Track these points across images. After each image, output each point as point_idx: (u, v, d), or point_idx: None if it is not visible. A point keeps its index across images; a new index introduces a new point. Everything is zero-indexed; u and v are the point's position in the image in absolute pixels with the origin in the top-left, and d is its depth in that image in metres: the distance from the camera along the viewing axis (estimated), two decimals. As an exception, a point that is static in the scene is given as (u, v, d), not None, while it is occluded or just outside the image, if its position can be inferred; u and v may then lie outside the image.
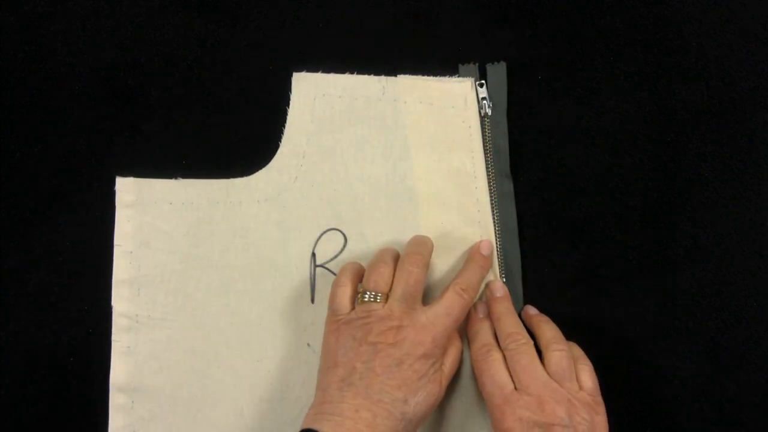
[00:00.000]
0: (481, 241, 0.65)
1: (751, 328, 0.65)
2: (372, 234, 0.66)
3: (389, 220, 0.66)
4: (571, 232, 0.66)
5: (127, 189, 0.68)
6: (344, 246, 0.66)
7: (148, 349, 0.66)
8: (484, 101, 0.67)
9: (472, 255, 0.64)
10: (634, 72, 0.68)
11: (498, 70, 0.68)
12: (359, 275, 0.62)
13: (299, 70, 0.68)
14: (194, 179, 0.68)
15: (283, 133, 0.68)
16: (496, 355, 0.61)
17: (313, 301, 0.66)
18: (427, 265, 0.61)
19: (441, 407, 0.64)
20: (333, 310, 0.61)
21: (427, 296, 0.65)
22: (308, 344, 0.66)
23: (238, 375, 0.66)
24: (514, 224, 0.66)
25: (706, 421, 0.62)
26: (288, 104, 0.68)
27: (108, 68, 0.70)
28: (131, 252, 0.67)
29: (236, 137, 0.68)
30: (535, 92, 0.68)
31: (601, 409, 0.58)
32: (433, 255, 0.65)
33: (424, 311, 0.60)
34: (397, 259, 0.62)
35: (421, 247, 0.63)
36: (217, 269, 0.67)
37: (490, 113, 0.67)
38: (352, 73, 0.68)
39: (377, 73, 0.68)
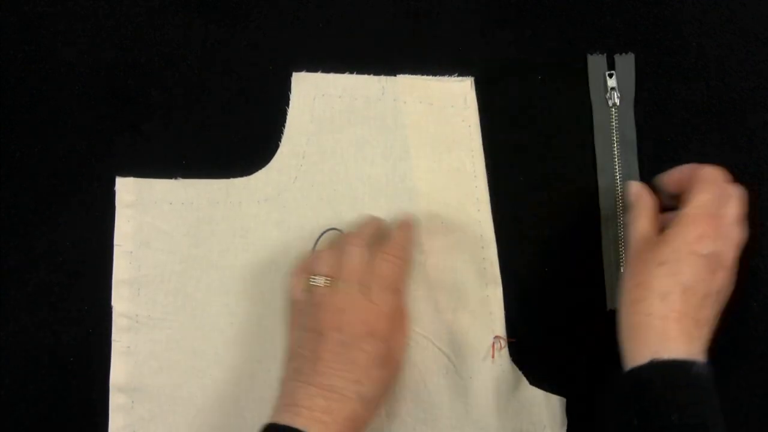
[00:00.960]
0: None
1: (751, 328, 0.65)
2: (372, 234, 0.66)
3: (389, 220, 0.66)
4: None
5: (127, 189, 0.68)
6: (344, 246, 0.66)
7: (148, 349, 0.66)
8: (613, 91, 0.67)
9: (397, 222, 0.64)
10: (635, 72, 0.68)
11: (626, 61, 0.68)
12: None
13: (299, 70, 0.68)
14: (194, 179, 0.68)
15: (283, 133, 0.68)
16: None
17: (312, 301, 0.66)
18: (368, 245, 0.61)
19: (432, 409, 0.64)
20: (291, 301, 0.62)
21: (426, 298, 0.65)
22: (308, 344, 0.66)
23: (238, 375, 0.66)
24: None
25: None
26: (288, 104, 0.68)
27: (108, 68, 0.70)
28: (131, 252, 0.67)
29: (236, 137, 0.68)
30: (535, 92, 0.68)
31: None
32: (434, 252, 0.65)
33: (365, 290, 0.59)
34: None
35: (366, 227, 0.63)
36: (217, 269, 0.67)
37: (618, 103, 0.67)
38: (351, 73, 0.68)
39: (377, 73, 0.68)
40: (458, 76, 0.68)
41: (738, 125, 0.67)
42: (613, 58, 0.68)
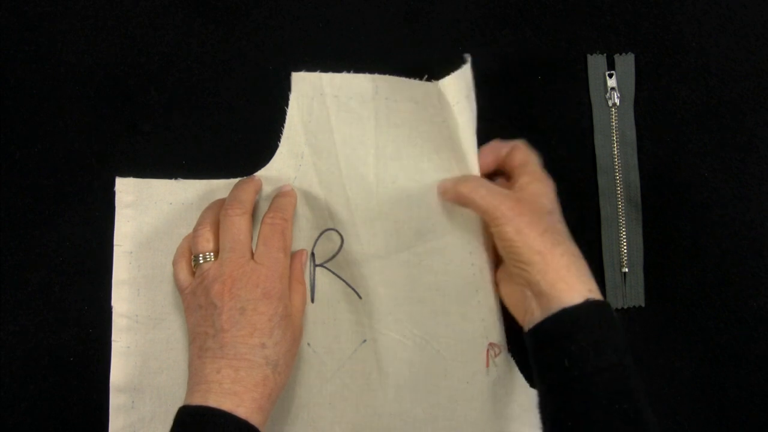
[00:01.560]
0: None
1: (751, 328, 0.65)
2: (366, 235, 0.66)
3: (381, 221, 0.66)
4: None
5: (127, 189, 0.68)
6: (341, 246, 0.66)
7: (148, 349, 0.66)
8: (613, 91, 0.67)
9: (278, 190, 0.66)
10: (635, 72, 0.68)
11: (626, 61, 0.68)
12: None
13: (298, 69, 0.68)
14: (194, 179, 0.68)
15: (282, 133, 0.67)
16: None
17: (312, 300, 0.66)
18: (248, 211, 0.62)
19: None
20: (179, 289, 0.62)
21: (422, 300, 0.65)
22: (308, 344, 0.66)
23: (237, 375, 0.66)
24: (639, 213, 0.67)
25: (706, 421, 0.62)
26: (287, 104, 0.68)
27: (108, 68, 0.70)
28: (131, 252, 0.67)
29: (236, 137, 0.68)
30: (535, 92, 0.68)
31: None
32: (427, 255, 0.65)
33: (251, 254, 0.60)
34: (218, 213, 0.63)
35: (242, 193, 0.63)
36: (217, 269, 0.67)
37: (618, 103, 0.67)
38: (350, 72, 0.68)
39: (377, 73, 0.68)
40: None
41: (738, 125, 0.67)
42: (613, 58, 0.68)
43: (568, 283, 0.56)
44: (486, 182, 0.61)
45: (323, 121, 0.67)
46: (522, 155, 0.62)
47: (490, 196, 0.59)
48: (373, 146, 0.66)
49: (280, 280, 0.60)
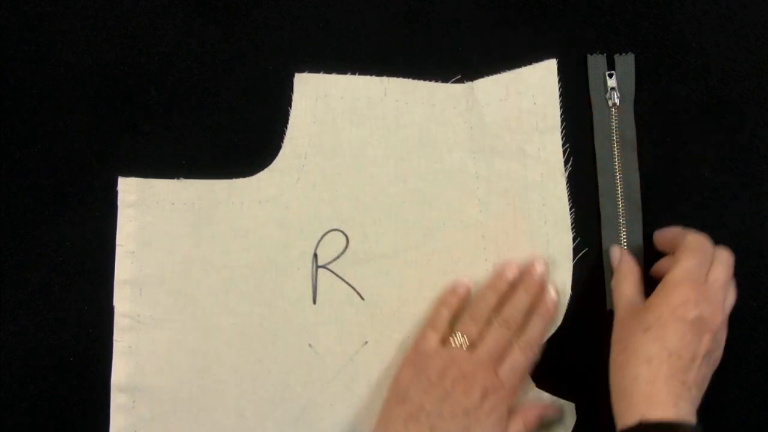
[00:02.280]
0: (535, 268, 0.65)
1: (751, 328, 0.65)
2: (374, 235, 0.66)
3: (391, 221, 0.66)
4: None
5: (129, 189, 0.68)
6: (346, 247, 0.66)
7: (150, 349, 0.66)
8: (613, 91, 0.67)
9: (535, 308, 0.64)
10: (635, 72, 0.68)
11: (626, 61, 0.68)
12: (453, 315, 0.64)
13: (299, 70, 0.68)
14: (196, 179, 0.67)
15: (284, 134, 0.68)
16: None
17: (314, 302, 0.66)
18: (514, 328, 0.62)
19: None
20: (417, 350, 0.62)
21: (429, 299, 0.65)
22: (309, 345, 0.66)
23: (239, 375, 0.66)
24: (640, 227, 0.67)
25: (706, 421, 0.62)
26: (289, 104, 0.68)
27: (108, 68, 0.70)
28: (133, 252, 0.67)
29: (237, 137, 0.68)
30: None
31: None
32: (435, 254, 0.66)
33: (498, 367, 0.61)
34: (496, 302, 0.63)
35: (511, 310, 0.63)
36: (219, 270, 0.67)
37: (618, 103, 0.67)
38: (352, 73, 0.68)
39: (377, 72, 0.68)
40: (458, 76, 0.68)
41: (738, 125, 0.67)
42: (613, 58, 0.68)
43: (621, 406, 0.56)
44: (629, 278, 0.63)
45: (328, 121, 0.67)
46: (677, 248, 0.62)
47: (619, 302, 0.62)
48: (382, 146, 0.67)
49: (509, 401, 0.60)
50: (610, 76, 0.68)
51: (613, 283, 0.64)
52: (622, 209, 0.66)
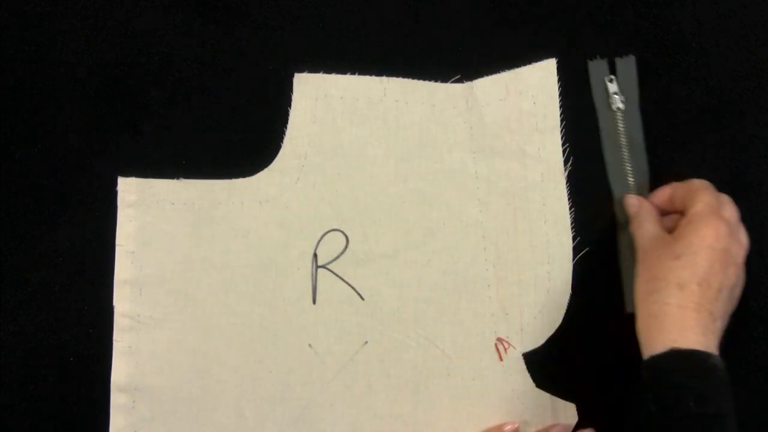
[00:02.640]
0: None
1: (751, 328, 0.65)
2: (374, 235, 0.66)
3: (391, 221, 0.67)
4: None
5: (129, 189, 0.68)
6: (346, 247, 0.66)
7: (150, 349, 0.66)
8: (615, 96, 0.67)
9: None
10: (636, 73, 0.68)
11: (627, 63, 0.68)
12: None
13: (299, 69, 0.68)
14: (196, 179, 0.68)
15: (284, 134, 0.68)
16: None
17: (314, 302, 0.66)
18: None
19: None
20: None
21: (428, 300, 0.66)
22: (309, 345, 0.66)
23: (239, 375, 0.66)
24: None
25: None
26: (289, 104, 0.68)
27: (108, 68, 0.70)
28: (133, 252, 0.67)
29: (237, 137, 0.68)
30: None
31: None
32: (435, 254, 0.66)
33: None
34: None
35: None
36: (219, 270, 0.67)
37: (622, 107, 0.67)
38: (352, 73, 0.68)
39: (377, 72, 0.68)
40: (458, 76, 0.68)
41: (738, 125, 0.67)
42: (614, 62, 0.68)
43: (650, 333, 0.57)
44: (650, 218, 0.63)
45: (328, 121, 0.67)
46: (686, 193, 0.62)
47: (643, 237, 0.62)
48: (382, 146, 0.67)
49: None
50: (611, 81, 0.67)
51: (634, 226, 0.63)
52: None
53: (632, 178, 0.66)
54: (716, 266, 0.57)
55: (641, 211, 0.64)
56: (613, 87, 0.67)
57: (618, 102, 0.67)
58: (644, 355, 0.57)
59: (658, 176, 0.67)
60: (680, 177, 0.67)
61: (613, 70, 0.68)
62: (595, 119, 0.68)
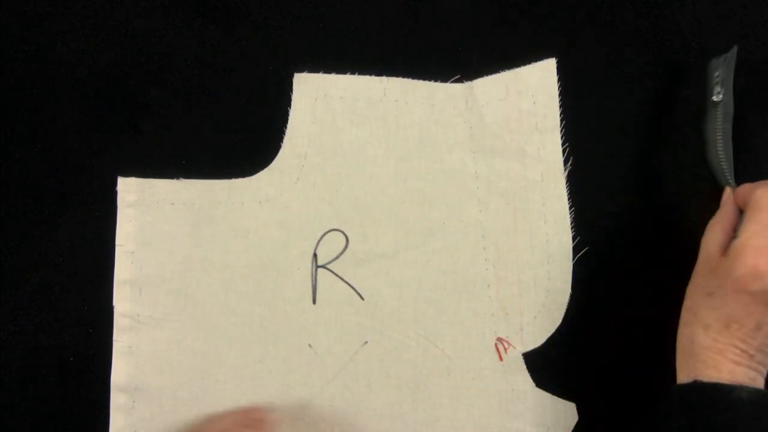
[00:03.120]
0: None
1: (751, 328, 0.65)
2: (374, 235, 0.66)
3: (391, 221, 0.67)
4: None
5: (128, 189, 0.68)
6: (346, 247, 0.67)
7: (150, 349, 0.66)
8: (717, 88, 0.64)
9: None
10: (635, 72, 0.68)
11: (732, 55, 0.64)
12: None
13: (299, 69, 0.68)
14: (196, 179, 0.68)
15: (284, 134, 0.68)
16: None
17: (314, 302, 0.66)
18: None
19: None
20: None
21: (428, 300, 0.65)
22: (309, 345, 0.66)
23: (239, 375, 0.66)
24: None
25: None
26: (289, 104, 0.68)
27: (108, 68, 0.70)
28: (133, 252, 0.67)
29: (237, 137, 0.68)
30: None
31: None
32: (435, 254, 0.66)
33: None
34: None
35: None
36: (219, 270, 0.67)
37: (723, 99, 0.64)
38: (352, 73, 0.68)
39: (377, 72, 0.68)
40: (458, 76, 0.68)
41: (738, 125, 0.67)
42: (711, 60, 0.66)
43: (679, 361, 0.57)
44: (719, 229, 0.59)
45: (328, 121, 0.67)
46: (749, 206, 0.57)
47: (701, 250, 0.58)
48: (382, 146, 0.67)
49: None
50: (717, 75, 0.64)
51: (709, 224, 0.59)
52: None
53: (726, 169, 0.64)
54: (750, 307, 0.53)
55: (720, 213, 0.60)
56: (717, 79, 0.64)
57: (720, 94, 0.64)
58: (677, 380, 0.56)
59: (654, 176, 0.66)
60: (679, 177, 0.67)
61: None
62: (602, 118, 0.68)
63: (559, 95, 0.68)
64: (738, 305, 0.54)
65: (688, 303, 0.58)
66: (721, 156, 0.63)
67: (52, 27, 0.70)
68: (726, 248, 0.56)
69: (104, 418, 0.66)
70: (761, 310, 0.54)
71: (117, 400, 0.66)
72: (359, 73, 0.68)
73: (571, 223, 0.66)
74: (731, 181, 0.63)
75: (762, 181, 0.58)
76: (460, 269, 0.66)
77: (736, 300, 0.54)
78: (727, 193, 0.62)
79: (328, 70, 0.68)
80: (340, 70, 0.68)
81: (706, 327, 0.55)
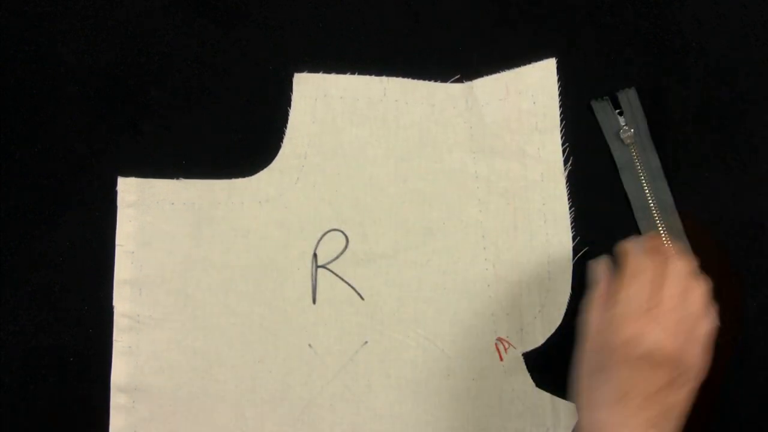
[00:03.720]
0: None
1: (751, 328, 0.65)
2: (374, 235, 0.66)
3: (391, 221, 0.67)
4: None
5: (128, 189, 0.68)
6: (346, 246, 0.67)
7: (150, 349, 0.66)
8: (626, 129, 0.66)
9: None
10: (634, 72, 0.68)
11: (629, 95, 0.67)
12: None
13: (299, 70, 0.68)
14: (196, 179, 0.68)
15: (284, 134, 0.68)
16: None
17: (314, 302, 0.66)
18: None
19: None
20: None
21: (428, 300, 0.66)
22: (309, 345, 0.66)
23: (239, 375, 0.66)
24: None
25: (707, 422, 0.62)
26: (289, 104, 0.68)
27: (108, 68, 0.70)
28: (133, 252, 0.67)
29: (237, 137, 0.68)
30: (536, 92, 0.68)
31: None
32: (435, 254, 0.66)
33: None
34: None
35: None
36: (219, 270, 0.67)
37: (634, 140, 0.66)
38: (352, 73, 0.68)
39: (378, 72, 0.68)
40: (458, 76, 0.68)
41: (738, 125, 0.67)
42: (616, 96, 0.67)
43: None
44: (598, 304, 0.57)
45: (328, 121, 0.67)
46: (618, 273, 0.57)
47: (586, 328, 0.57)
48: (382, 146, 0.67)
49: None
50: (620, 114, 0.67)
51: (587, 304, 0.58)
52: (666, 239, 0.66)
53: (653, 205, 0.66)
54: (636, 376, 0.53)
55: (595, 292, 0.58)
56: (622, 120, 0.67)
57: (630, 135, 0.66)
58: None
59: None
60: (679, 177, 0.67)
61: (616, 104, 0.67)
62: (596, 120, 0.68)
63: (559, 95, 0.68)
64: (624, 375, 0.53)
65: (579, 387, 0.56)
66: (648, 196, 0.66)
67: (52, 27, 0.70)
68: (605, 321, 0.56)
69: (104, 418, 0.66)
70: (649, 375, 0.53)
71: (117, 400, 0.66)
72: (359, 73, 0.68)
73: (571, 223, 0.66)
74: (669, 215, 0.65)
75: (626, 247, 0.58)
76: (460, 269, 0.66)
77: (620, 370, 0.53)
78: (602, 266, 0.60)
79: (328, 70, 0.68)
80: (340, 70, 0.68)
81: (603, 404, 0.53)
